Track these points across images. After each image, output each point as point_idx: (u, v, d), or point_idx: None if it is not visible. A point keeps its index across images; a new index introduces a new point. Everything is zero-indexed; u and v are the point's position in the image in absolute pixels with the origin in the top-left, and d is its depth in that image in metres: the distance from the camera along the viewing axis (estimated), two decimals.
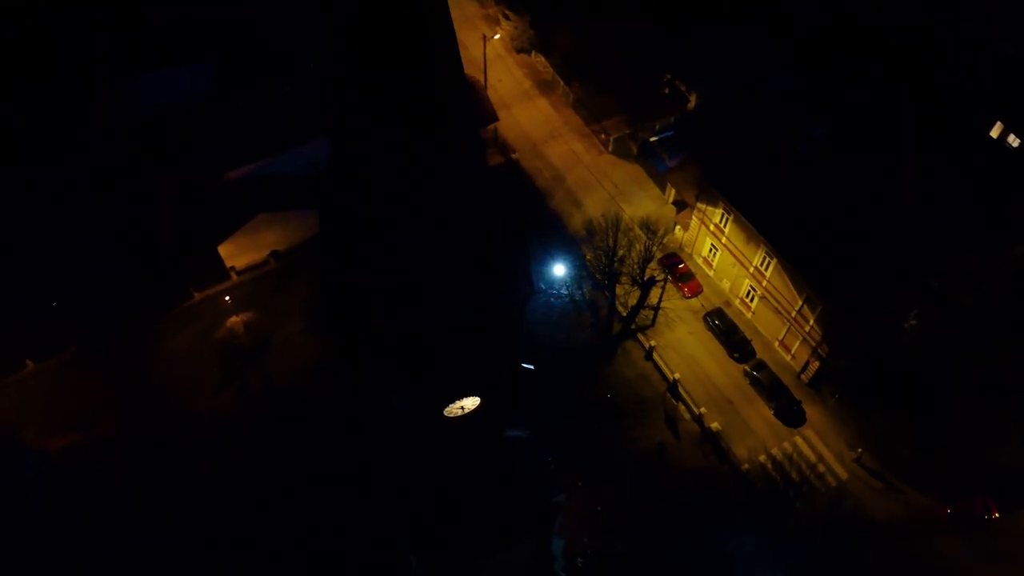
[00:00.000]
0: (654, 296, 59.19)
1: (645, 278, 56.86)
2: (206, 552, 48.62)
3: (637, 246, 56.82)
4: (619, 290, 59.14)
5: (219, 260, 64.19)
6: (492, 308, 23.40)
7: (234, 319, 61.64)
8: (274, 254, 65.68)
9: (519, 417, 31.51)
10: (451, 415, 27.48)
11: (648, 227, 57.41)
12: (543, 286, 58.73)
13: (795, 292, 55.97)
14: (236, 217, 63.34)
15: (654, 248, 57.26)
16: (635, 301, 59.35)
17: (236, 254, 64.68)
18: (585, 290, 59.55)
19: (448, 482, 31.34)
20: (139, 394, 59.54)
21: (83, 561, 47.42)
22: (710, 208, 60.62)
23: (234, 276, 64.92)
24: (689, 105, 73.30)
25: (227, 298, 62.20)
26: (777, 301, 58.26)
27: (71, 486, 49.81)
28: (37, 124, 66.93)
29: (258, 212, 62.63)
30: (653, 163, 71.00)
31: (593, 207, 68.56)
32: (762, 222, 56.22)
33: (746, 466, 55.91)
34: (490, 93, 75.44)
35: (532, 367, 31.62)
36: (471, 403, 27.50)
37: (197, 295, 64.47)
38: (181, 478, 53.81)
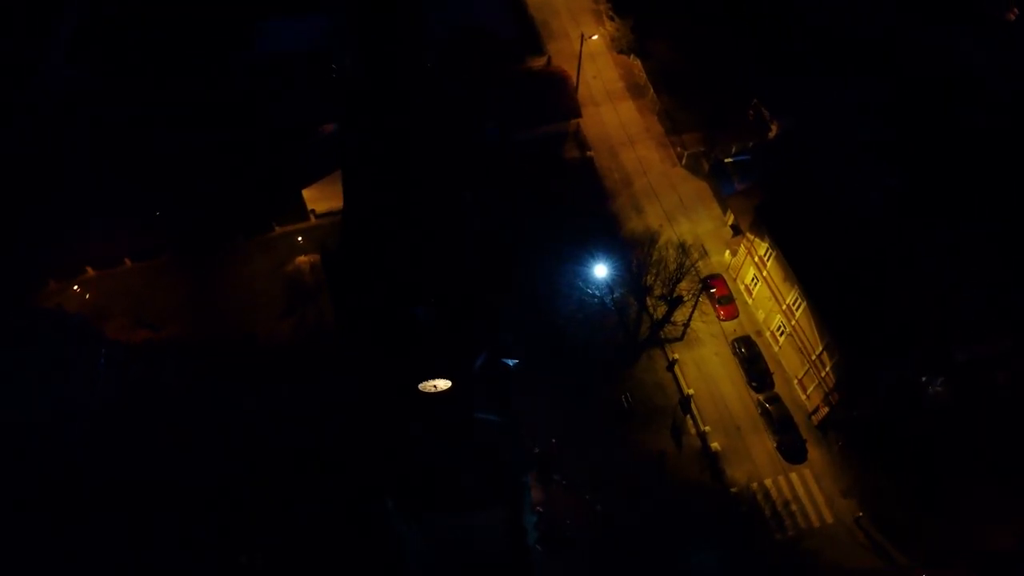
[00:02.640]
0: (684, 313, 62.01)
1: (674, 295, 59.73)
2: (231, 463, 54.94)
3: (671, 265, 59.62)
4: (649, 301, 62.30)
5: (302, 201, 70.71)
6: (458, 310, 27.80)
7: (303, 258, 68.14)
8: None
9: (493, 404, 35.82)
10: (426, 391, 32.36)
11: (684, 248, 60.17)
12: (581, 283, 62.41)
13: (818, 337, 57.77)
14: (323, 165, 69.37)
15: (686, 268, 59.95)
16: (663, 315, 62.49)
17: (318, 199, 70.93)
18: (617, 295, 62.77)
19: (425, 448, 36.32)
20: (212, 307, 67.21)
21: (139, 447, 54.82)
22: (757, 240, 62.59)
23: (312, 218, 71.43)
24: (770, 133, 74.40)
25: (299, 239, 68.69)
26: (802, 341, 60.14)
27: (138, 378, 57.51)
28: (191, 49, 75.39)
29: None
30: (721, 184, 72.87)
31: (653, 216, 71.39)
32: (800, 264, 58.04)
33: (735, 489, 58.70)
34: (582, 88, 78.65)
35: (513, 363, 35.85)
36: (443, 384, 32.23)
37: (278, 229, 71.42)
38: (232, 388, 60.79)
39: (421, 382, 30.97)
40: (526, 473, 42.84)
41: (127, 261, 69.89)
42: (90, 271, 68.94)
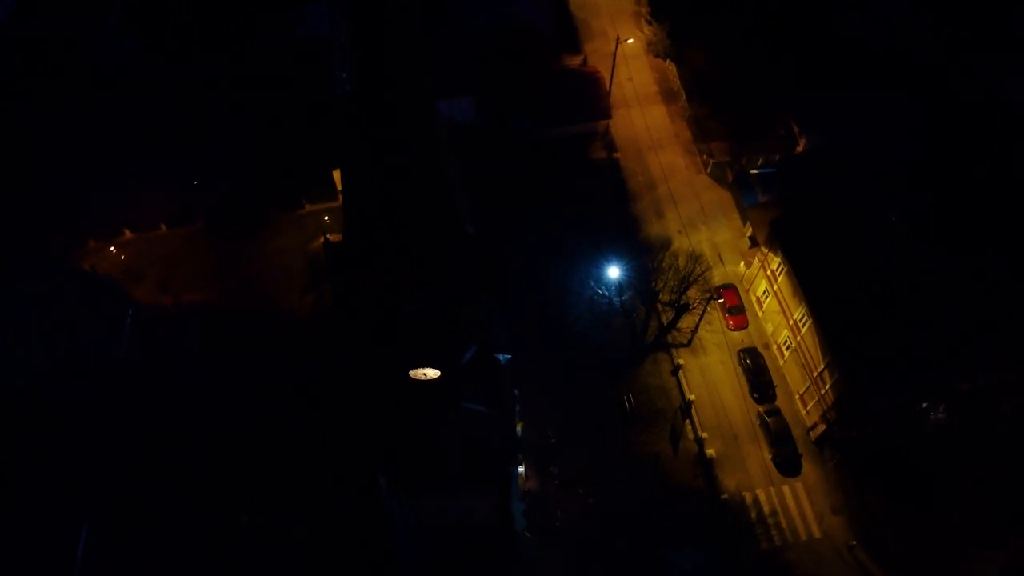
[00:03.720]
0: (692, 320, 63.06)
1: (681, 302, 60.82)
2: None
3: (681, 272, 60.65)
4: (658, 306, 63.45)
5: (332, 182, 72.93)
6: (446, 308, 29.54)
7: (328, 237, 70.31)
8: None
9: (481, 395, 37.57)
10: (416, 379, 34.30)
11: (695, 256, 61.24)
12: (592, 283, 63.76)
13: (820, 354, 58.47)
14: None
15: (695, 276, 60.94)
16: (670, 320, 63.63)
17: None
18: (627, 297, 64.02)
19: (415, 430, 38.30)
20: (238, 277, 69.90)
21: (156, 407, 57.36)
22: (771, 254, 63.27)
23: (340, 198, 73.48)
24: (798, 148, 74.67)
25: (327, 218, 70.97)
26: (805, 358, 60.85)
27: (161, 339, 60.28)
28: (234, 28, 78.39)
29: None
30: (744, 194, 73.29)
31: (673, 222, 72.32)
32: (809, 282, 58.70)
33: (725, 496, 59.82)
34: (615, 90, 79.57)
35: (504, 358, 37.56)
36: (433, 373, 34.12)
37: (307, 207, 73.81)
38: (246, 359, 63.27)
39: (408, 370, 32.85)
40: (512, 463, 44.58)
41: (162, 226, 72.90)
42: (128, 233, 72.10)
